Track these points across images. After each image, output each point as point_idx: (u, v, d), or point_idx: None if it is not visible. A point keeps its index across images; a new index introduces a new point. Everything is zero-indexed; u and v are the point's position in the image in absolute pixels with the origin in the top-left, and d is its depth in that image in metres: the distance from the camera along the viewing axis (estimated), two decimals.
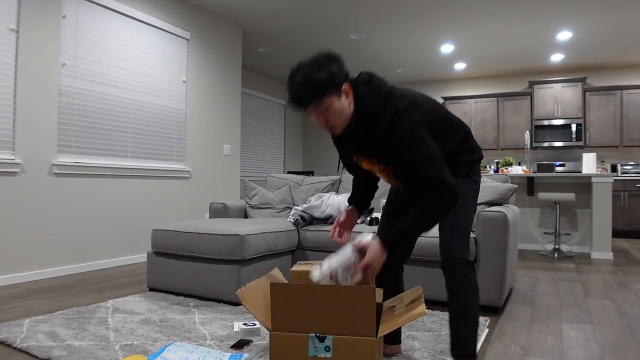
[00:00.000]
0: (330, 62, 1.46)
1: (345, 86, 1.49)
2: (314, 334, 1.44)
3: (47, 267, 3.55)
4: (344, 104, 1.49)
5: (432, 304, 2.76)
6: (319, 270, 1.47)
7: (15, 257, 3.35)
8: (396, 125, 1.46)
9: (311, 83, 1.42)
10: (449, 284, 1.56)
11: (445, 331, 2.20)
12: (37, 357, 1.84)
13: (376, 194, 3.63)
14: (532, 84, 7.59)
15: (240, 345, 1.95)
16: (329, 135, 9.33)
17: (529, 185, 5.47)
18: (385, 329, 1.43)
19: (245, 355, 1.76)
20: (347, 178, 3.82)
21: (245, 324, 2.17)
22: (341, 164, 4.62)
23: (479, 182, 1.67)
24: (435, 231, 2.71)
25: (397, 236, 1.45)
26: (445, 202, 1.45)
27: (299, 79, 1.44)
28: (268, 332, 2.14)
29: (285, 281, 1.68)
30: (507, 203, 3.10)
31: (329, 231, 3.07)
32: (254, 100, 7.95)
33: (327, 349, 1.43)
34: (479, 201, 2.87)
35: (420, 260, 2.73)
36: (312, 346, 1.44)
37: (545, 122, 7.46)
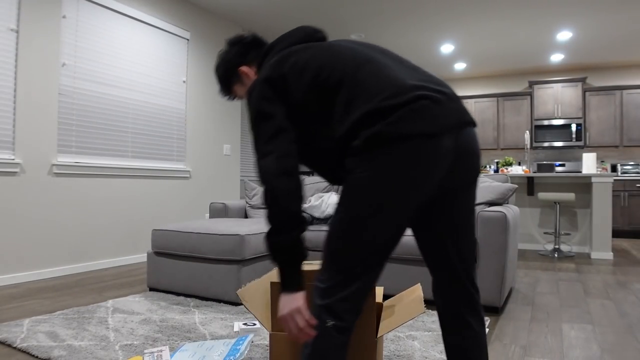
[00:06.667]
0: (227, 52, 1.41)
1: (243, 68, 1.38)
2: None
3: (47, 267, 3.55)
4: (247, 84, 1.40)
5: (432, 303, 2.76)
6: None
7: (15, 257, 3.35)
8: None
9: (218, 80, 1.44)
10: None
11: None
12: (37, 357, 1.84)
13: None
14: (532, 84, 7.60)
15: None
16: None
17: (529, 185, 5.47)
18: (385, 329, 1.43)
19: (251, 335, 1.78)
20: None
21: (245, 324, 2.17)
22: None
23: (353, 184, 1.05)
24: None
25: (278, 262, 1.12)
26: (265, 181, 1.11)
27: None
28: (268, 332, 2.14)
29: None
30: (507, 203, 3.10)
31: None
32: None
33: None
34: (478, 200, 2.84)
35: (421, 260, 2.73)
36: None
37: (545, 122, 7.46)
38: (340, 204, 1.06)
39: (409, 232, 2.76)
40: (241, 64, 1.39)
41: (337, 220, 1.06)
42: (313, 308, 1.04)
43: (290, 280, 1.09)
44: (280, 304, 1.10)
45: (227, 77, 1.41)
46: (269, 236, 1.10)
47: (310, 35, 1.30)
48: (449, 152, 1.04)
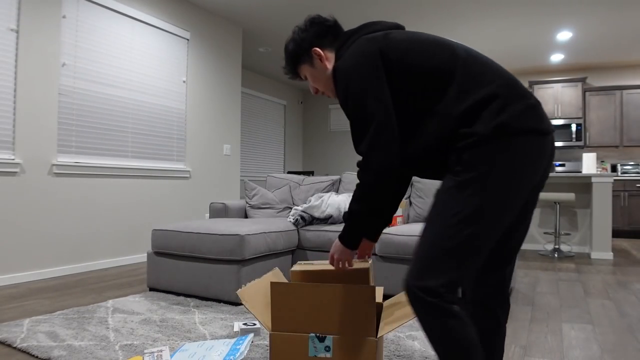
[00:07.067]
0: (303, 30, 1.37)
1: (317, 50, 1.34)
2: (314, 334, 1.44)
3: (47, 267, 3.55)
4: (318, 67, 1.36)
5: None
6: None
7: (15, 257, 3.35)
8: (336, 88, 1.24)
9: (286, 56, 1.42)
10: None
11: None
12: (37, 357, 1.84)
13: None
14: (532, 84, 7.59)
15: None
16: (329, 135, 9.32)
17: None
18: (385, 329, 1.43)
19: (251, 335, 1.77)
20: (348, 178, 3.82)
21: (245, 324, 2.17)
22: None
23: (476, 179, 1.04)
24: None
25: (346, 223, 1.32)
26: (361, 182, 1.21)
27: (283, 52, 1.45)
28: (268, 332, 2.14)
29: (286, 281, 1.68)
30: None
31: (329, 231, 3.07)
32: (254, 100, 7.95)
33: (327, 348, 1.43)
34: None
35: None
36: (312, 346, 1.44)
37: None
38: (461, 199, 1.05)
39: (409, 232, 2.75)
40: (316, 45, 1.35)
41: (459, 213, 1.04)
42: (427, 307, 1.04)
43: (352, 240, 1.33)
44: (335, 247, 1.38)
45: (297, 55, 1.38)
46: (359, 213, 1.25)
47: (394, 27, 1.30)
48: (550, 150, 1.10)
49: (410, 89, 1.13)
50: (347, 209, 1.25)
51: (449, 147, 1.09)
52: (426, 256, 1.06)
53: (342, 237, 1.34)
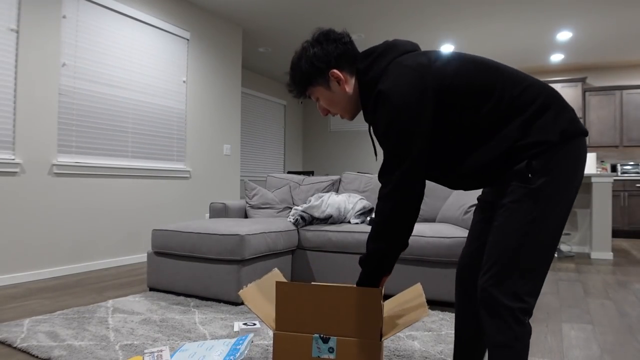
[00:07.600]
0: (315, 46, 1.26)
1: (334, 71, 1.25)
2: (317, 335, 1.44)
3: (47, 267, 3.55)
4: (335, 90, 1.27)
5: (432, 304, 2.76)
6: None
7: (15, 257, 3.34)
8: (375, 112, 1.17)
9: (294, 75, 1.30)
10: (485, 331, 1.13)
11: (445, 331, 2.20)
12: (37, 357, 1.84)
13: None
14: None
15: None
16: (329, 135, 9.32)
17: None
18: (388, 332, 1.43)
19: (251, 335, 1.77)
20: (348, 178, 3.82)
21: (245, 324, 2.17)
22: None
23: (548, 184, 1.07)
24: (438, 230, 2.71)
25: (363, 268, 1.29)
26: (378, 211, 1.20)
27: (290, 69, 1.33)
28: (269, 332, 2.14)
29: (286, 281, 1.68)
30: None
31: (329, 231, 3.06)
32: (254, 100, 7.95)
33: (330, 350, 1.42)
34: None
35: (420, 260, 2.73)
36: (315, 347, 1.44)
37: None
38: (537, 205, 1.08)
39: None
40: (334, 67, 1.25)
41: (537, 218, 1.08)
42: (505, 312, 1.07)
43: (371, 285, 1.30)
44: None
45: (310, 75, 1.26)
46: (378, 251, 1.21)
47: (411, 48, 1.25)
48: None
49: (462, 108, 1.13)
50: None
51: (512, 157, 1.11)
52: (509, 263, 1.08)
53: (361, 285, 1.30)
